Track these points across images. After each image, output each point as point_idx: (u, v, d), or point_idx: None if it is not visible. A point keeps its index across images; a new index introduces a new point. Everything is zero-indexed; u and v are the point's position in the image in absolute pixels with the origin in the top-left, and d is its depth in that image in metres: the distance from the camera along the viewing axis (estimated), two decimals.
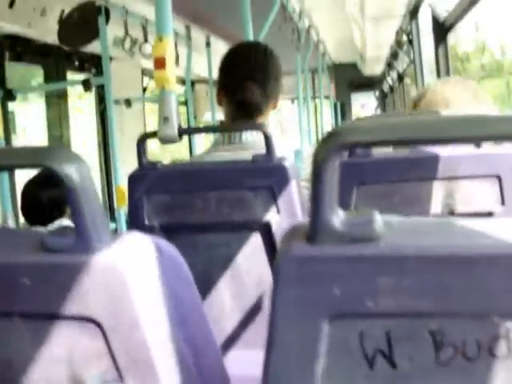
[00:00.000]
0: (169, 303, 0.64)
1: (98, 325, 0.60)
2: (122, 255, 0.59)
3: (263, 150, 1.56)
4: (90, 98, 4.84)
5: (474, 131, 0.49)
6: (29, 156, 0.60)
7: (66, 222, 2.71)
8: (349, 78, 9.02)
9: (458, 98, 1.69)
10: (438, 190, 1.48)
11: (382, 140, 0.49)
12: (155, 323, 0.61)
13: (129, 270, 0.59)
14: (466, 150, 1.46)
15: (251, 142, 1.64)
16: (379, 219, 0.55)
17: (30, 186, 2.70)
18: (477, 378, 0.55)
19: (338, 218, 0.54)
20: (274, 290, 0.55)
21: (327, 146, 0.50)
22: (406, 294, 0.54)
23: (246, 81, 1.67)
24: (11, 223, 3.04)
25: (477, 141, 0.49)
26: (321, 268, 0.54)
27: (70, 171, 0.57)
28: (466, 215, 1.47)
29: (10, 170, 0.64)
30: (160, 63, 1.47)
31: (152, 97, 6.08)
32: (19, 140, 4.75)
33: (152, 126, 6.15)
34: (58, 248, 0.60)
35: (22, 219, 3.32)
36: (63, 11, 3.61)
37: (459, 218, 0.58)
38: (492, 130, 0.48)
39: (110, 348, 0.61)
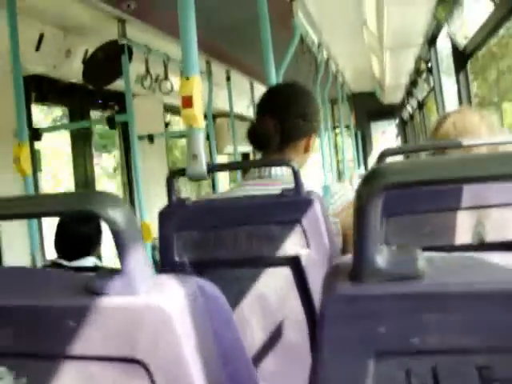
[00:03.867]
0: (212, 343, 0.64)
1: (144, 366, 0.61)
2: (166, 296, 0.60)
3: (288, 185, 1.57)
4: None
5: (506, 169, 0.49)
6: (74, 201, 0.61)
7: (91, 260, 2.75)
8: (368, 107, 9.05)
9: (476, 127, 1.72)
10: (467, 218, 1.48)
11: (426, 180, 0.50)
12: (200, 363, 0.61)
13: (173, 311, 0.60)
14: None
15: (280, 176, 1.65)
16: (422, 256, 0.55)
17: (64, 221, 2.78)
18: None
19: (381, 256, 0.54)
20: (319, 329, 0.56)
21: (371, 185, 0.51)
22: (452, 330, 0.54)
23: (261, 115, 1.71)
24: (38, 260, 3.07)
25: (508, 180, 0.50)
26: (366, 306, 0.54)
27: (115, 215, 0.59)
28: (496, 244, 1.46)
29: (55, 216, 0.65)
30: (187, 102, 1.49)
31: (174, 132, 6.15)
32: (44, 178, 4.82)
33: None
34: (103, 290, 0.61)
35: (48, 257, 3.36)
36: (87, 51, 3.69)
37: (501, 253, 0.58)
38: None
39: None
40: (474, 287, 0.53)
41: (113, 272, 0.63)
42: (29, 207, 0.61)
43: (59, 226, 2.80)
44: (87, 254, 2.77)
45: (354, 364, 0.55)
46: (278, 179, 1.65)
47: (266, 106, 1.74)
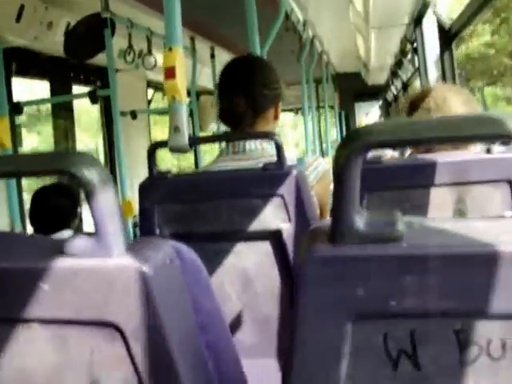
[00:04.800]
0: (190, 308, 0.64)
1: (119, 329, 0.60)
2: (140, 258, 0.59)
3: (266, 159, 1.57)
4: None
5: (496, 129, 0.49)
6: (50, 161, 0.60)
7: (68, 233, 2.73)
8: (353, 88, 9.04)
9: (453, 100, 1.73)
10: (448, 195, 1.48)
11: (404, 139, 0.49)
12: (176, 327, 0.61)
13: (150, 274, 0.59)
14: (477, 155, 1.46)
15: (254, 151, 1.65)
16: (401, 219, 0.55)
17: (39, 193, 2.76)
18: (502, 377, 0.54)
19: (361, 218, 0.54)
20: (297, 291, 0.55)
21: (350, 146, 0.50)
22: (430, 293, 0.53)
23: (230, 93, 1.70)
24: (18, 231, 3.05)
25: (498, 139, 0.49)
26: (344, 268, 0.53)
27: (91, 176, 0.57)
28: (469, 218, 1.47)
29: (31, 175, 0.64)
30: (170, 73, 1.47)
31: (157, 108, 6.10)
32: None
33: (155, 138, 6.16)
34: (77, 252, 0.60)
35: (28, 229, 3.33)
36: (69, 24, 3.63)
37: (480, 218, 0.58)
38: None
39: (130, 353, 0.61)
40: (452, 250, 0.53)
41: (89, 235, 0.62)
42: (3, 166, 0.60)
43: (34, 198, 2.77)
44: (64, 227, 2.75)
45: (332, 326, 0.55)
46: (253, 154, 1.64)
47: (230, 84, 1.73)
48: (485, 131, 0.50)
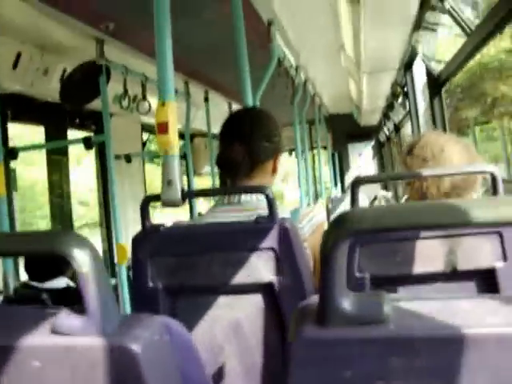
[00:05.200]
0: (179, 382, 0.64)
1: None
2: (130, 337, 0.60)
3: (261, 211, 1.58)
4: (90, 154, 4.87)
5: (477, 217, 0.50)
6: (39, 241, 0.61)
7: (63, 281, 2.72)
8: (345, 129, 9.12)
9: (451, 150, 1.74)
10: (439, 246, 1.49)
11: (388, 227, 0.50)
12: None
13: (139, 352, 0.59)
14: None
15: (250, 202, 1.66)
16: (388, 301, 0.55)
17: None
18: None
19: (347, 300, 0.54)
20: (287, 371, 0.56)
21: (336, 233, 0.51)
22: (417, 375, 0.54)
23: (230, 140, 1.72)
24: (11, 283, 3.03)
25: (482, 227, 0.50)
26: (332, 350, 0.54)
27: (81, 256, 0.58)
28: (468, 272, 1.48)
29: (21, 256, 0.64)
30: (163, 128, 1.49)
31: (152, 152, 6.13)
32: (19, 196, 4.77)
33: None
34: (68, 331, 0.61)
35: (22, 278, 3.32)
36: (65, 70, 3.68)
37: (467, 299, 0.59)
38: (496, 215, 0.49)
39: None
40: (438, 332, 0.54)
41: (78, 311, 0.62)
42: None
43: None
44: (59, 274, 2.73)
45: None
46: (247, 206, 1.65)
47: (231, 132, 1.75)
48: (476, 219, 0.51)
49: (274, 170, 1.76)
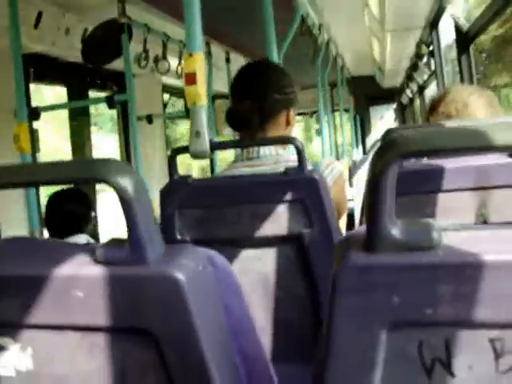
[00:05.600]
0: (222, 314, 0.64)
1: (153, 336, 0.61)
2: (175, 265, 0.60)
3: (281, 164, 1.57)
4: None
5: None
6: (83, 169, 0.60)
7: (82, 238, 2.76)
8: (367, 91, 9.02)
9: (475, 104, 1.71)
10: (470, 199, 1.47)
11: (441, 148, 0.49)
12: (209, 334, 0.61)
13: (184, 281, 0.59)
14: (500, 159, 1.45)
15: (269, 156, 1.65)
16: (436, 227, 0.55)
17: (54, 198, 2.81)
18: None
19: (396, 227, 0.54)
20: (331, 299, 0.55)
21: (386, 155, 0.50)
22: (466, 301, 0.53)
23: (238, 95, 1.70)
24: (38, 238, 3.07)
25: None
26: (380, 277, 0.53)
27: (125, 183, 0.58)
28: (499, 224, 1.46)
29: (68, 183, 0.64)
30: (191, 79, 1.47)
31: (173, 113, 6.12)
32: (43, 157, 4.80)
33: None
34: (111, 260, 0.61)
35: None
36: (86, 30, 3.66)
37: None
38: None
39: (163, 359, 0.61)
40: (488, 258, 0.53)
41: (121, 242, 0.62)
42: (38, 174, 0.60)
43: (49, 203, 2.82)
44: (79, 231, 2.78)
45: (366, 335, 0.55)
46: (267, 160, 1.64)
47: (239, 86, 1.74)
48: None
49: (288, 123, 1.74)
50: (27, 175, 0.60)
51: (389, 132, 1.47)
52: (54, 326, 0.65)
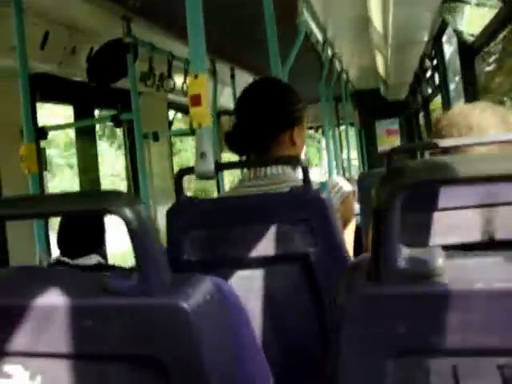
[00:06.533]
0: (229, 342, 0.64)
1: (161, 365, 0.61)
2: (183, 296, 0.60)
3: (288, 183, 1.57)
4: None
5: None
6: (89, 201, 0.61)
7: (94, 259, 2.76)
8: (372, 105, 9.02)
9: (485, 124, 1.64)
10: (476, 217, 1.47)
11: (446, 179, 0.49)
12: (217, 362, 0.61)
13: (190, 311, 0.59)
14: None
15: (276, 175, 1.64)
16: (441, 255, 0.55)
17: (68, 217, 2.80)
18: None
19: (400, 256, 0.54)
20: (338, 328, 0.55)
21: (391, 186, 0.51)
22: (472, 329, 0.53)
23: (242, 119, 1.71)
24: (45, 262, 3.09)
25: None
26: (385, 306, 0.54)
27: (132, 215, 0.59)
28: (506, 242, 1.45)
29: (75, 214, 0.65)
30: (196, 100, 1.49)
31: (180, 130, 6.14)
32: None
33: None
34: (120, 290, 0.61)
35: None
36: (92, 49, 3.69)
37: None
38: None
39: None
40: (493, 286, 0.53)
41: (129, 271, 0.63)
42: (45, 206, 0.61)
43: (62, 223, 2.81)
44: (90, 252, 2.77)
45: (374, 363, 0.55)
46: (274, 179, 1.63)
47: (242, 107, 1.73)
48: None
49: (294, 143, 1.71)
50: (35, 207, 0.61)
51: (393, 151, 1.48)
52: (64, 354, 0.65)
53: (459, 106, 1.81)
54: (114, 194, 0.61)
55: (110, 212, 0.59)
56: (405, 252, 0.55)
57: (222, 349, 0.63)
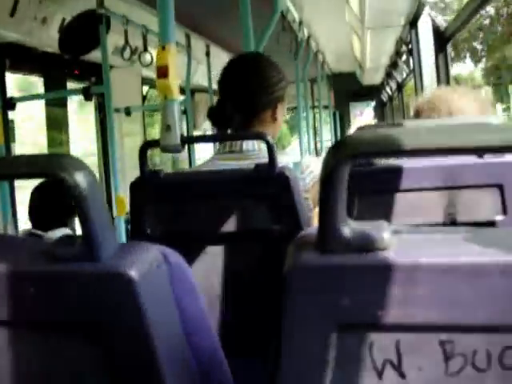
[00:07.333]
0: (175, 312, 0.63)
1: (104, 332, 0.60)
2: (129, 263, 0.59)
3: (264, 159, 1.56)
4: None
5: (479, 140, 0.49)
6: (38, 165, 0.59)
7: (65, 231, 2.73)
8: (347, 88, 9.04)
9: (465, 108, 1.65)
10: (439, 199, 1.48)
11: (391, 150, 0.49)
12: (162, 332, 0.61)
13: (135, 279, 0.58)
14: (468, 159, 1.46)
15: (252, 151, 1.63)
16: (389, 228, 0.55)
17: (39, 190, 2.77)
18: None
19: (347, 227, 0.53)
20: (283, 300, 0.55)
21: (337, 155, 0.50)
22: (416, 304, 0.53)
23: (220, 94, 1.69)
24: (10, 231, 3.05)
25: (481, 151, 0.49)
26: (330, 277, 0.53)
27: (79, 180, 0.57)
28: (467, 225, 1.47)
29: (19, 178, 0.63)
30: (163, 72, 1.46)
31: (152, 105, 6.08)
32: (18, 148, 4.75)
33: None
34: (65, 257, 0.60)
35: (20, 227, 3.33)
36: (64, 20, 3.62)
37: (467, 228, 0.58)
38: (496, 139, 0.48)
39: (115, 356, 0.61)
40: (439, 260, 0.53)
41: (76, 239, 0.61)
42: None
43: (33, 194, 2.78)
44: (62, 225, 2.75)
45: (317, 336, 0.55)
46: (249, 154, 1.63)
47: (221, 85, 1.72)
48: (478, 142, 0.50)
49: (274, 119, 1.72)
50: None
51: (360, 130, 1.47)
52: (8, 322, 0.64)
53: (440, 90, 1.81)
54: (63, 158, 0.59)
55: (56, 176, 0.57)
56: (352, 225, 0.55)
57: (167, 319, 0.62)
